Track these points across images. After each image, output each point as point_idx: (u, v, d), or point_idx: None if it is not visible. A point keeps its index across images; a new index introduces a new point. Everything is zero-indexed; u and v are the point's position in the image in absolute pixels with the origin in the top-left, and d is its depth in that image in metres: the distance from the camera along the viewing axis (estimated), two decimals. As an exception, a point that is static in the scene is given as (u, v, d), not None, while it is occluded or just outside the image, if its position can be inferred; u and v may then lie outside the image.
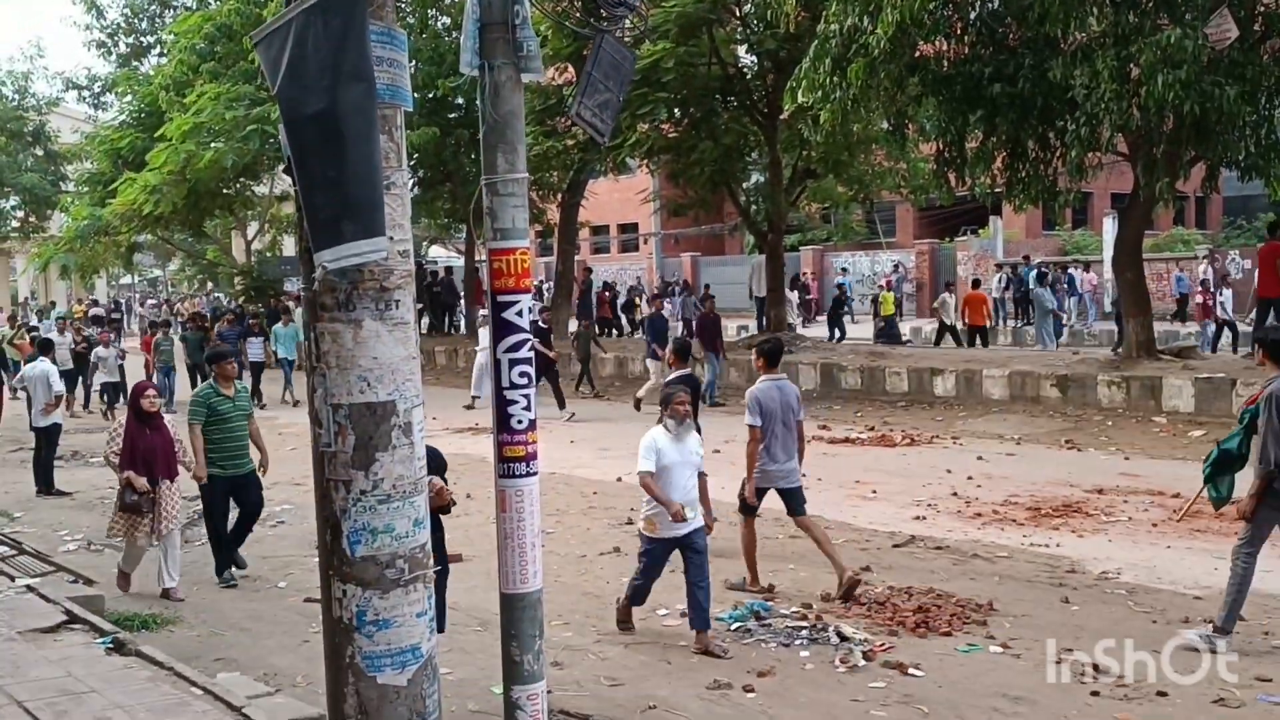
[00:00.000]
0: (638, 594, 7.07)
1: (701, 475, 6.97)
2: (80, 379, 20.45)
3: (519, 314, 3.87)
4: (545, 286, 34.95)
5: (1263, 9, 14.69)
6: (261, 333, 21.73)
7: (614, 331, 30.12)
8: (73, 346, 20.44)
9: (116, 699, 5.44)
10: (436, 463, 5.63)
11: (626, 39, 21.14)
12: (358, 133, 3.10)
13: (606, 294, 32.52)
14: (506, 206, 3.74)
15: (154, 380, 20.28)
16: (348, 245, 3.06)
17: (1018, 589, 7.86)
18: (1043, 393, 16.14)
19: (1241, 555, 6.52)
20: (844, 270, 35.82)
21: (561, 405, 17.70)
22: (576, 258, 36.84)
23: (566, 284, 28.11)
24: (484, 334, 18.17)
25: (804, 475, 8.25)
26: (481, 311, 20.95)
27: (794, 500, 8.03)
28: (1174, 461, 12.31)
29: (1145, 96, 12.97)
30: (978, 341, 22.62)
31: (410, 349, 3.47)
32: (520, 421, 3.95)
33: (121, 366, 19.95)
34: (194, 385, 20.54)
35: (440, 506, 5.58)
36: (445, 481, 6.10)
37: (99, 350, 19.82)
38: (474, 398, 18.31)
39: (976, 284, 25.57)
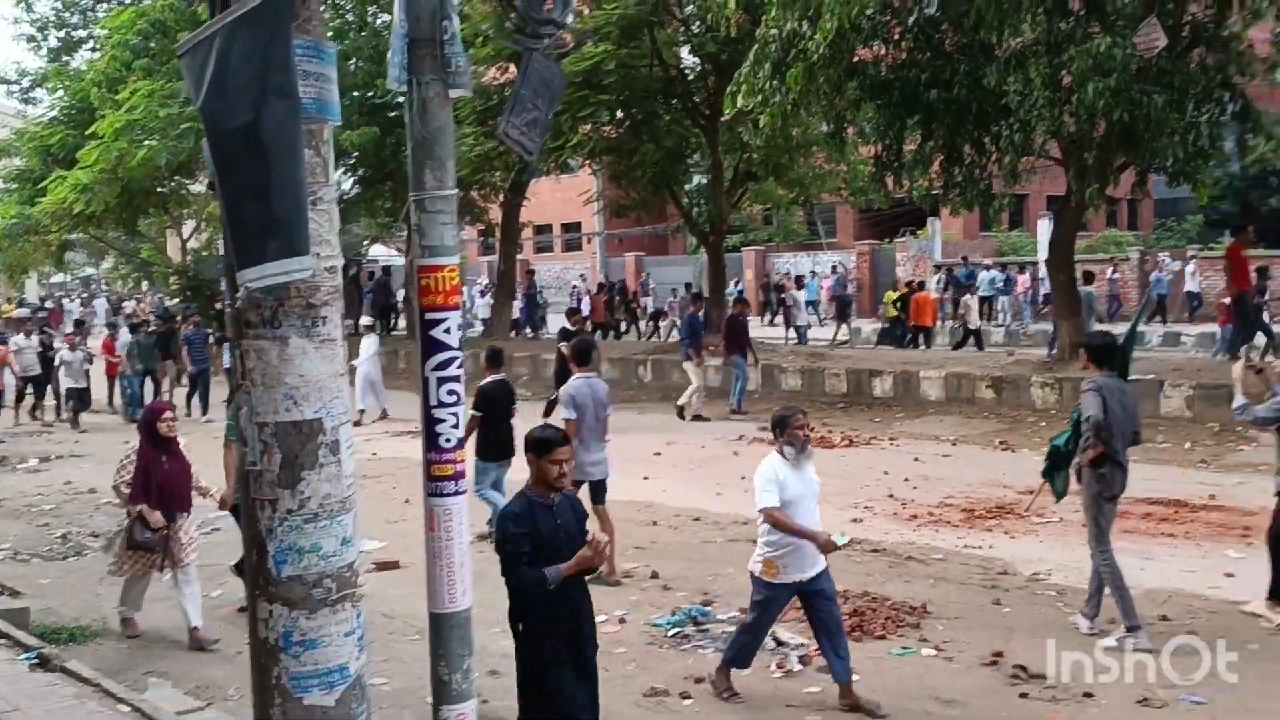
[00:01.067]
0: (743, 653, 6.14)
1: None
2: (49, 385, 19.63)
3: (447, 331, 3.84)
4: (486, 286, 34.76)
5: (1189, 19, 15.07)
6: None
7: (612, 334, 29.08)
8: (39, 350, 19.46)
9: (39, 719, 5.33)
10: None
11: (568, 41, 21.16)
12: (282, 149, 3.07)
13: (602, 296, 30.28)
14: (435, 224, 3.71)
15: (121, 386, 19.53)
16: (271, 264, 3.02)
17: (951, 591, 7.99)
18: (978, 394, 16.40)
19: (1099, 555, 6.91)
20: (812, 273, 35.53)
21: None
22: (520, 257, 36.75)
23: (509, 285, 28.02)
24: (365, 344, 17.83)
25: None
26: (363, 319, 20.41)
27: (598, 491, 8.52)
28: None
29: (1077, 103, 13.23)
30: (923, 342, 23.07)
31: (338, 366, 3.44)
32: (448, 440, 3.93)
33: (87, 371, 19.21)
34: (152, 391, 20.06)
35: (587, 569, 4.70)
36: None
37: (64, 353, 18.97)
38: (360, 412, 17.27)
39: (922, 285, 25.98)
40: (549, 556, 4.51)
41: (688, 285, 27.94)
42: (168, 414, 7.52)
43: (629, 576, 8.58)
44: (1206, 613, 7.34)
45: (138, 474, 7.19)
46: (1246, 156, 23.82)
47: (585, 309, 30.58)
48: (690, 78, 22.24)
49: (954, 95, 15.01)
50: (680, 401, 17.12)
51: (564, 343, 16.45)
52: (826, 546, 5.89)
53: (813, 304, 30.57)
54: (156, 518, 7.12)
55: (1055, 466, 7.52)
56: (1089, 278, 19.69)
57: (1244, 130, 15.70)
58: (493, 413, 9.49)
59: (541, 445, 4.70)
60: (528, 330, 29.87)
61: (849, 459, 13.50)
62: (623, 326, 30.49)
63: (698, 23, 21.13)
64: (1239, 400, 7.31)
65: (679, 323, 27.39)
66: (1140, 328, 17.49)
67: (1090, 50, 12.91)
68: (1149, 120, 13.50)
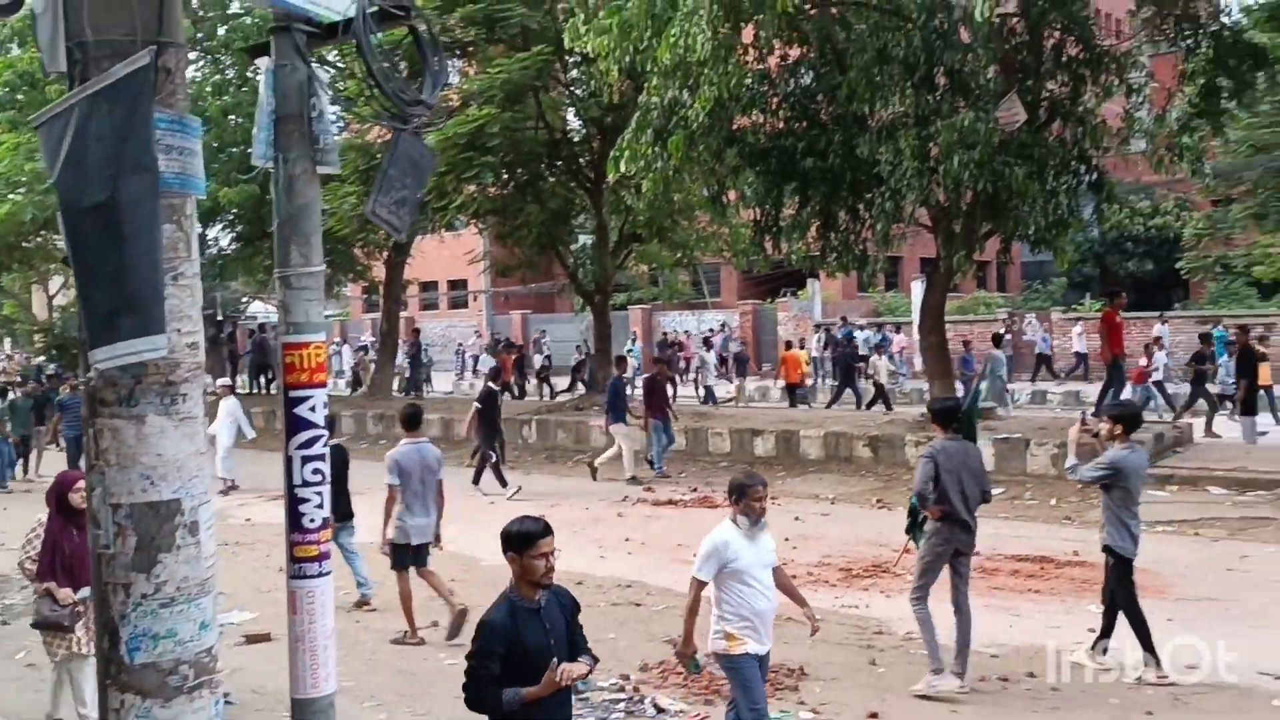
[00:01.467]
0: None
1: (777, 569, 5.89)
2: None
3: (313, 409, 3.78)
4: (370, 344, 34.23)
5: (1047, 95, 15.91)
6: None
7: (517, 394, 28.56)
8: None
9: None
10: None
11: (454, 102, 21.29)
12: (139, 225, 3.01)
13: (511, 356, 29.29)
14: (300, 300, 3.67)
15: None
16: (124, 344, 2.95)
17: (829, 651, 8.09)
18: (856, 453, 16.77)
19: (913, 602, 7.28)
20: (714, 330, 35.71)
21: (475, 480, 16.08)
22: (405, 315, 36.39)
23: (391, 343, 27.67)
24: (223, 406, 17.11)
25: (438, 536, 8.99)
26: (221, 380, 19.65)
27: (421, 554, 8.74)
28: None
29: (944, 174, 13.80)
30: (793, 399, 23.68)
31: (198, 444, 3.36)
32: (313, 520, 3.85)
33: None
34: (24, 459, 19.07)
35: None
36: None
37: None
38: (222, 479, 16.62)
39: (789, 345, 26.66)
40: (534, 670, 4.07)
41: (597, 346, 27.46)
42: (80, 484, 6.79)
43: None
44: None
45: (45, 549, 6.63)
46: (1104, 223, 25.03)
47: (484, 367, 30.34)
48: (575, 141, 22.51)
49: (829, 164, 15.53)
50: (596, 461, 16.89)
51: (477, 402, 16.27)
52: (681, 659, 5.85)
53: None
54: (65, 594, 6.56)
55: (915, 524, 7.74)
56: (997, 340, 20.37)
57: (1100, 199, 16.54)
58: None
59: (522, 540, 4.20)
60: (411, 390, 29.47)
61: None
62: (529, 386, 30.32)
63: (582, 88, 21.47)
64: (1071, 460, 7.71)
65: (584, 381, 27.44)
66: (988, 388, 18.27)
67: (955, 124, 13.51)
68: (1011, 190, 14.15)
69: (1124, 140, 16.59)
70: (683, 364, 30.07)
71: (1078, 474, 7.57)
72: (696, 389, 26.84)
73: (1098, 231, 36.80)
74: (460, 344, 37.68)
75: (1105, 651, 7.47)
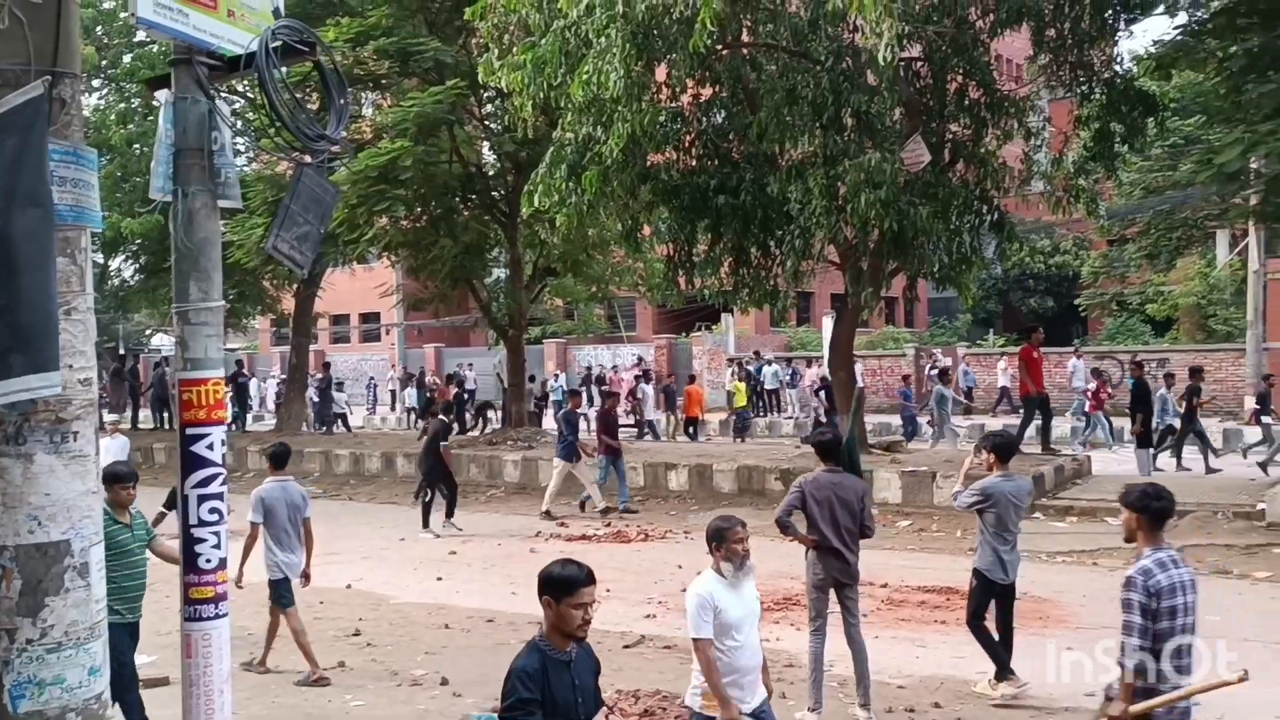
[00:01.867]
0: None
1: None
2: None
3: (210, 447, 3.71)
4: (277, 378, 33.58)
5: (951, 138, 16.41)
6: None
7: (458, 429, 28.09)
8: None
9: None
10: None
11: (366, 135, 21.15)
12: (31, 260, 2.93)
13: (451, 388, 28.68)
14: (199, 336, 3.61)
15: None
16: (15, 380, 2.87)
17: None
18: (768, 485, 16.90)
19: (810, 634, 7.50)
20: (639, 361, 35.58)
21: (449, 515, 15.57)
22: (314, 348, 35.78)
23: (301, 378, 27.18)
24: (112, 445, 16.50)
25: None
26: (108, 417, 18.91)
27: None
28: (884, 551, 13.11)
29: (851, 213, 14.11)
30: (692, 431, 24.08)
31: (89, 483, 3.27)
32: (209, 560, 3.77)
33: None
34: None
35: None
36: None
37: None
38: None
39: (693, 379, 26.97)
40: None
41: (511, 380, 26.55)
42: None
43: (417, 684, 8.33)
44: (974, 698, 7.72)
45: None
46: (1006, 261, 25.83)
47: (409, 400, 29.87)
48: (490, 175, 22.50)
49: (741, 201, 15.77)
50: (546, 505, 16.47)
51: (435, 437, 15.60)
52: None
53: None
54: None
55: None
56: (944, 375, 20.75)
57: (1001, 238, 17.06)
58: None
59: (562, 585, 3.85)
60: (320, 426, 28.92)
61: (645, 554, 13.62)
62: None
63: (497, 123, 21.50)
64: (957, 487, 8.04)
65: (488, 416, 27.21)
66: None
67: (862, 164, 13.84)
68: (916, 229, 14.52)
69: (1024, 181, 17.16)
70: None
71: (958, 500, 7.89)
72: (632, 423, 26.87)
73: (1000, 269, 38.01)
74: (371, 378, 37.19)
75: (1008, 676, 7.63)
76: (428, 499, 15.58)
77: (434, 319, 38.45)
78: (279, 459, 8.95)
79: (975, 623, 7.79)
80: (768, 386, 30.32)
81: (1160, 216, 29.80)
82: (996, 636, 7.79)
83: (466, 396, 30.77)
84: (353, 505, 18.87)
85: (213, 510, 3.77)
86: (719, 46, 15.32)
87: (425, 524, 15.36)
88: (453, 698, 8.04)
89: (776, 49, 15.69)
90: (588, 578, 3.92)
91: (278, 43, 3.54)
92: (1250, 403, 24.62)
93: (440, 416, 16.36)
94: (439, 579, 12.20)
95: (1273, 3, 13.68)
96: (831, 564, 7.38)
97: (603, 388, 23.40)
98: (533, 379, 29.83)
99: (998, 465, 7.73)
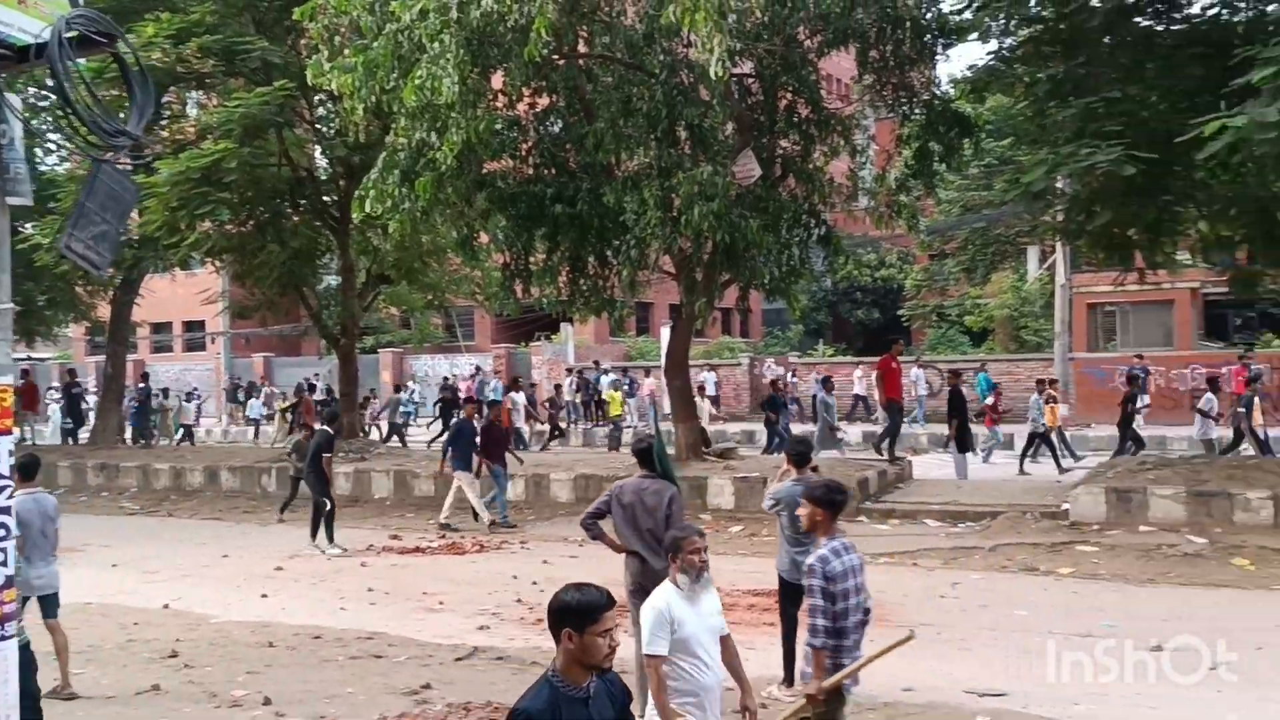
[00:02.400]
0: None
1: (725, 639, 5.16)
2: None
3: (-5, 459, 3.48)
4: (80, 387, 31.78)
5: (781, 153, 16.87)
6: None
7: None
8: None
9: None
10: None
11: (189, 135, 20.27)
12: None
13: (312, 396, 26.88)
14: (-17, 341, 3.39)
15: None
16: None
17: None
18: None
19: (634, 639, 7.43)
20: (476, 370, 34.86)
21: (324, 534, 14.70)
22: (133, 358, 34.08)
23: (117, 388, 25.85)
24: None
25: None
26: None
27: (48, 605, 8.31)
28: (716, 556, 13.28)
29: (685, 224, 14.33)
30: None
31: None
32: (-7, 579, 3.52)
33: None
34: None
35: None
36: None
37: None
38: None
39: (515, 385, 27.01)
40: None
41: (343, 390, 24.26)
42: None
43: (237, 705, 8.01)
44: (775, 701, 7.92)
45: None
46: (835, 274, 26.76)
47: (261, 410, 28.71)
48: (321, 179, 21.92)
49: (578, 210, 15.82)
50: (443, 517, 15.95)
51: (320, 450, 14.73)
52: None
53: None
54: None
55: None
56: (827, 384, 21.18)
57: (829, 252, 17.62)
58: None
59: (583, 613, 3.45)
60: (139, 438, 27.56)
61: (480, 565, 13.49)
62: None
63: (328, 126, 20.97)
64: (767, 492, 8.36)
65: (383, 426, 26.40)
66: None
67: (695, 177, 14.09)
68: (747, 241, 14.87)
69: (850, 197, 17.78)
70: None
71: (765, 505, 8.22)
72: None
73: (830, 282, 39.35)
74: (195, 388, 35.60)
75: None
76: (329, 509, 14.71)
77: (262, 327, 37.16)
78: (28, 470, 8.46)
79: (783, 620, 8.04)
80: (604, 396, 30.44)
81: (976, 233, 31.46)
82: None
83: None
84: (172, 522, 18.06)
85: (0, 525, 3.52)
86: (555, 56, 15.35)
87: (330, 538, 14.56)
88: (275, 718, 7.77)
89: (612, 61, 15.82)
90: (609, 600, 3.53)
91: (73, 33, 3.35)
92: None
93: (324, 427, 15.62)
94: (264, 596, 11.78)
95: (1074, 33, 14.62)
96: (636, 568, 7.47)
97: (491, 400, 22.52)
98: (373, 392, 29.10)
99: (791, 471, 8.01)
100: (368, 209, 14.85)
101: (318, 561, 13.90)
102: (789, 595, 8.03)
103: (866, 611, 5.55)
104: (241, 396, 35.29)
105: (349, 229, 20.86)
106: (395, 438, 25.78)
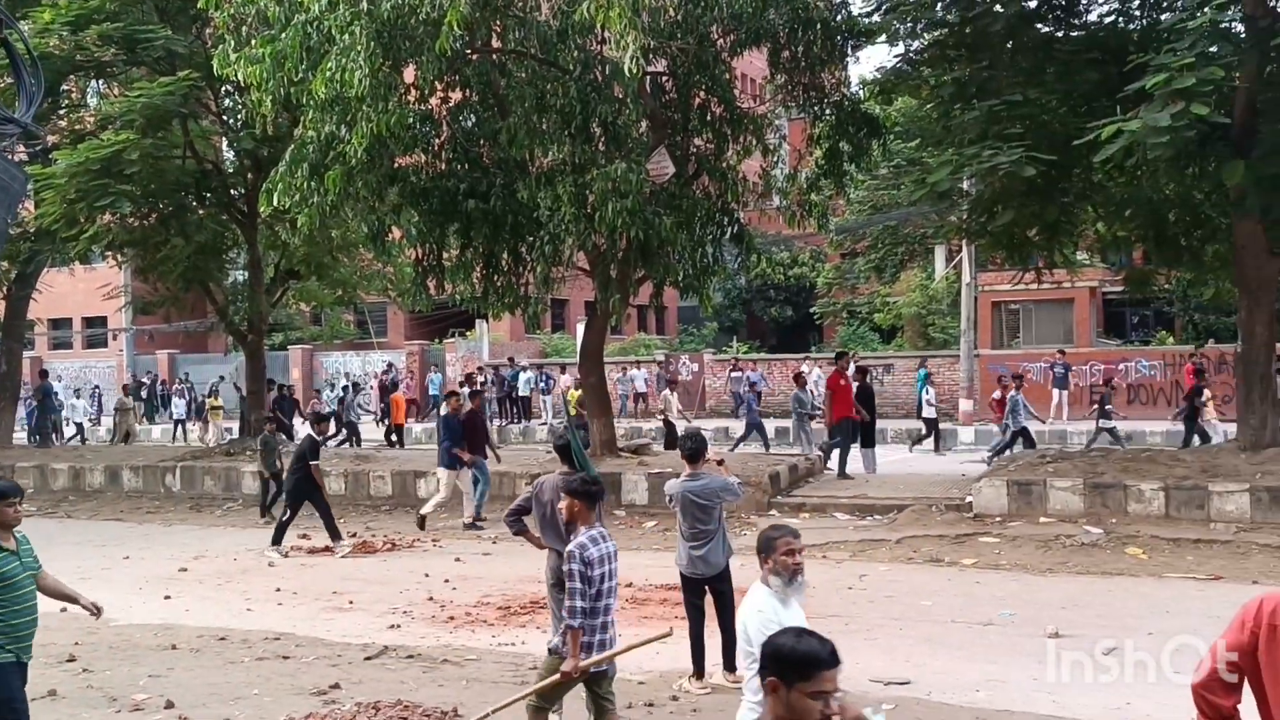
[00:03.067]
0: None
1: None
2: None
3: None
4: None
5: (695, 151, 16.99)
6: None
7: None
8: None
9: None
10: None
11: (88, 126, 19.66)
12: None
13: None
14: None
15: None
16: None
17: (483, 691, 8.07)
18: (518, 490, 16.90)
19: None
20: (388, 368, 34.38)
21: (335, 537, 14.22)
22: (32, 354, 32.94)
23: (12, 387, 24.98)
24: None
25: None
26: None
27: None
28: (630, 551, 13.36)
29: (599, 221, 14.35)
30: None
31: None
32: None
33: None
34: None
35: None
36: None
37: None
38: None
39: (396, 386, 26.94)
40: None
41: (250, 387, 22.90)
42: None
43: (139, 709, 7.82)
44: (717, 689, 8.02)
45: None
46: (748, 272, 27.00)
47: (177, 410, 28.08)
48: (228, 172, 21.44)
49: (491, 206, 15.72)
50: (424, 510, 15.46)
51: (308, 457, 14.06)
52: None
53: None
54: None
55: None
56: (800, 381, 21.24)
57: (742, 250, 17.79)
58: None
59: (801, 666, 2.91)
60: (36, 438, 26.70)
61: (391, 563, 13.35)
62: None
63: (235, 118, 20.52)
64: None
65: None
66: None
67: (609, 173, 14.10)
68: (661, 238, 14.94)
69: (762, 195, 17.95)
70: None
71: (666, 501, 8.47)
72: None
73: (744, 280, 39.71)
74: (96, 385, 34.60)
75: (730, 668, 7.97)
76: (286, 518, 14.22)
77: (166, 323, 36.22)
78: None
79: (689, 614, 8.10)
80: (521, 393, 30.40)
81: (886, 232, 31.96)
82: (721, 633, 8.08)
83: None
84: (71, 523, 17.50)
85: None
86: (468, 50, 15.24)
87: (277, 541, 14.05)
88: (178, 721, 7.61)
89: (526, 56, 15.76)
90: (832, 657, 2.95)
91: (-41, 16, 3.24)
92: (969, 405, 26.88)
93: (309, 432, 15.00)
94: (167, 598, 11.50)
95: (977, 38, 15.00)
96: (555, 563, 7.53)
97: (472, 389, 21.39)
98: (287, 388, 28.49)
99: (687, 466, 8.09)
100: (275, 202, 14.57)
101: (222, 562, 13.61)
102: (690, 589, 8.12)
103: (613, 595, 5.93)
104: (144, 394, 34.39)
105: (257, 223, 20.45)
106: (352, 437, 25.47)
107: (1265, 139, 13.16)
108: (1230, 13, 12.86)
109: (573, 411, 24.20)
